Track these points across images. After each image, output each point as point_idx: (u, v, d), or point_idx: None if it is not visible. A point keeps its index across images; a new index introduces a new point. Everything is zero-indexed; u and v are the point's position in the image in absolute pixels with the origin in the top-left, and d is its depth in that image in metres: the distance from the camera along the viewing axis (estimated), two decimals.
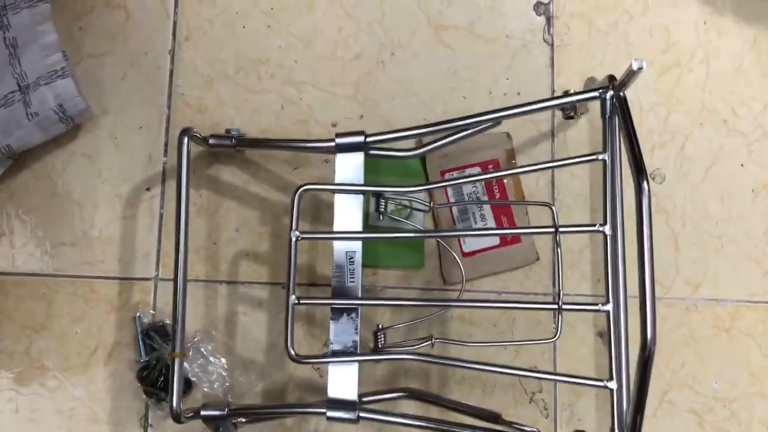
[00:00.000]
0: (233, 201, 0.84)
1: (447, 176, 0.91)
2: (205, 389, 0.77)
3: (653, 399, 0.90)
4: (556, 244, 0.70)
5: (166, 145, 0.84)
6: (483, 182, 0.91)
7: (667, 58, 0.95)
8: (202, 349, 0.76)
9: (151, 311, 0.80)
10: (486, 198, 0.91)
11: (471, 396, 0.85)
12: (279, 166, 0.85)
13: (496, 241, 0.91)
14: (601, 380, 0.68)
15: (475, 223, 0.90)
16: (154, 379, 0.75)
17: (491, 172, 0.89)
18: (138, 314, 0.79)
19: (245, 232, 0.84)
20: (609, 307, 0.69)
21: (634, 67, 0.67)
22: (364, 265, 0.76)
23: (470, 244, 0.90)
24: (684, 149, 0.99)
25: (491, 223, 0.91)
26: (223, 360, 0.78)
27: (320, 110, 0.88)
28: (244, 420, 0.78)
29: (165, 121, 0.84)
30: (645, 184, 0.64)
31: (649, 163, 0.71)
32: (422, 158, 0.89)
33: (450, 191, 0.91)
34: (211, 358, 0.76)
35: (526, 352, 0.88)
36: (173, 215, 0.73)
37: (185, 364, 0.76)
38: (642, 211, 0.63)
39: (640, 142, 0.68)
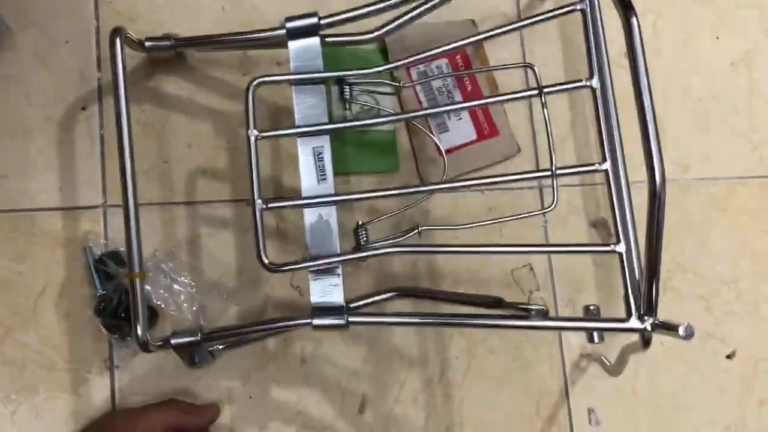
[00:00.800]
0: (181, 114, 0.79)
1: (413, 71, 0.85)
2: (172, 312, 0.72)
3: None
4: (543, 105, 0.64)
5: (98, 59, 0.79)
6: (453, 78, 0.85)
7: None
8: (164, 266, 0.69)
9: (103, 241, 0.73)
10: (458, 93, 0.85)
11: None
12: (227, 72, 0.81)
13: (473, 135, 0.86)
14: (608, 245, 0.63)
15: (449, 119, 0.85)
16: (113, 310, 0.69)
17: (459, 65, 0.83)
18: (89, 245, 0.71)
19: (198, 147, 0.79)
20: (607, 165, 0.64)
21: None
22: (334, 173, 0.69)
23: (446, 140, 0.86)
24: (656, 26, 0.95)
25: (466, 118, 0.87)
26: (189, 278, 0.71)
27: (267, 10, 0.84)
28: (221, 346, 0.70)
29: (94, 32, 0.79)
30: (634, 19, 0.59)
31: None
32: (384, 53, 0.84)
33: (419, 89, 0.85)
34: (175, 276, 0.69)
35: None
36: (115, 135, 0.65)
37: (147, 287, 0.69)
38: (634, 47, 0.58)
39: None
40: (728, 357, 0.94)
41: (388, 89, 0.79)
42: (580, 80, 0.72)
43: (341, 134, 0.86)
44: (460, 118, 0.91)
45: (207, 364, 0.78)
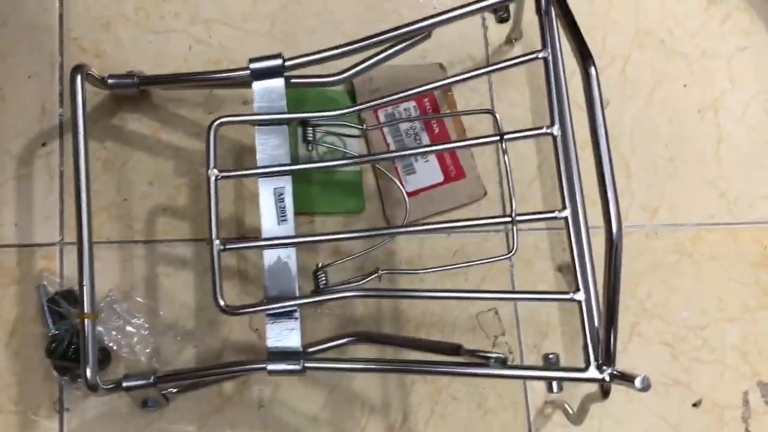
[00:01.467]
0: (143, 152, 0.79)
1: (381, 113, 0.85)
2: (125, 354, 0.69)
3: (622, 333, 0.89)
4: (503, 151, 0.65)
5: (61, 94, 0.79)
6: (421, 121, 0.85)
7: None
8: (117, 308, 0.68)
9: (58, 279, 0.72)
10: (426, 135, 0.86)
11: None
12: (192, 110, 0.80)
13: (440, 177, 0.86)
14: (567, 293, 0.62)
15: (416, 161, 0.85)
16: (64, 351, 0.67)
17: (427, 107, 0.85)
18: (43, 283, 0.70)
19: (160, 185, 0.78)
20: (567, 212, 0.64)
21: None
22: (297, 213, 0.70)
23: (412, 182, 0.85)
24: (625, 72, 0.97)
25: (433, 160, 0.86)
26: (143, 319, 0.69)
27: (233, 49, 0.84)
28: (174, 390, 0.68)
29: (58, 68, 0.78)
30: (592, 69, 0.60)
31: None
32: (352, 95, 0.83)
33: (387, 131, 0.85)
34: (129, 317, 0.67)
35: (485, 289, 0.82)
36: (74, 166, 0.65)
37: (99, 328, 0.68)
38: (592, 96, 0.59)
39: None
40: (694, 405, 0.93)
41: (353, 131, 0.79)
42: (541, 127, 0.72)
43: (306, 175, 0.86)
44: (427, 161, 0.91)
45: (161, 408, 0.76)
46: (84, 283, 0.68)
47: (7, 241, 0.78)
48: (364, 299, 0.84)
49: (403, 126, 0.91)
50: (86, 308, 0.68)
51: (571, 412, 0.79)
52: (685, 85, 1.03)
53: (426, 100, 0.93)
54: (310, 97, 0.86)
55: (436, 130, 0.93)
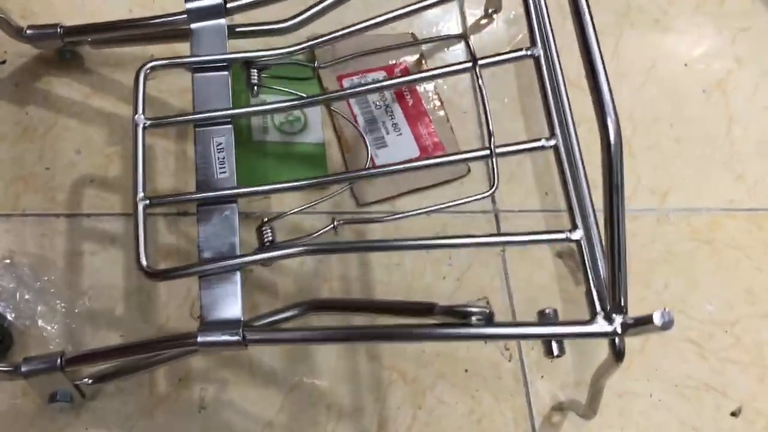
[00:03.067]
0: (72, 119, 0.69)
1: (345, 81, 0.75)
2: (33, 337, 0.55)
3: None
4: (477, 76, 0.54)
5: None
6: (392, 90, 0.75)
7: None
8: (27, 280, 0.56)
9: None
10: (397, 106, 0.76)
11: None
12: (128, 75, 0.71)
13: (416, 152, 0.76)
14: (562, 231, 0.50)
15: (387, 133, 0.75)
16: None
17: (399, 77, 0.73)
18: None
19: (88, 153, 0.68)
20: (555, 141, 0.53)
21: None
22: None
23: (384, 157, 0.74)
24: (618, 49, 0.88)
25: (407, 132, 0.77)
26: (62, 302, 0.57)
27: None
28: (90, 381, 0.55)
29: None
30: None
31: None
32: (313, 61, 0.73)
33: (353, 102, 0.75)
34: (40, 321, 0.55)
35: (472, 277, 0.76)
36: None
37: None
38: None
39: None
40: (733, 414, 0.78)
41: (305, 73, 0.68)
42: (521, 49, 0.61)
43: (262, 146, 0.75)
44: (401, 134, 0.80)
45: (74, 404, 0.61)
46: None
47: None
48: (322, 259, 0.70)
49: (372, 97, 0.81)
50: None
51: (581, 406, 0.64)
52: (686, 65, 0.94)
53: (398, 69, 0.83)
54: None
55: (410, 102, 0.82)
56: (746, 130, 0.91)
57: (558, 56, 0.62)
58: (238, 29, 0.69)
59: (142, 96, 0.63)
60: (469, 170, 0.81)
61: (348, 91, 0.65)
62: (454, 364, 0.72)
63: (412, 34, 0.85)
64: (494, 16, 0.88)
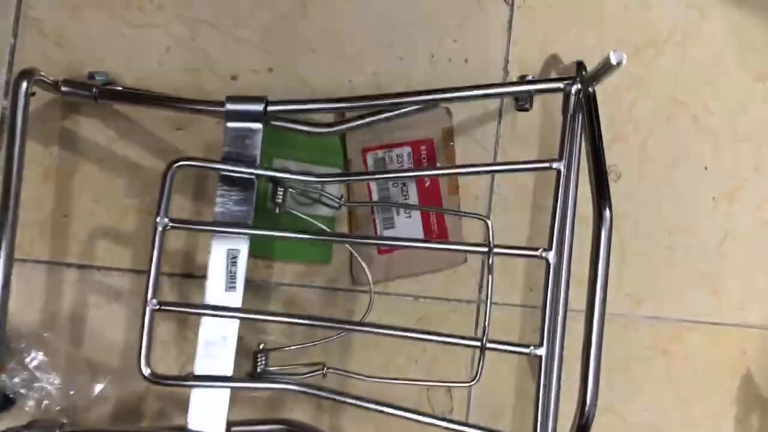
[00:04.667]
0: (94, 164, 0.70)
1: (370, 155, 0.76)
2: (27, 409, 0.61)
3: None
4: (488, 268, 0.56)
5: (7, 84, 0.65)
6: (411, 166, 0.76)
7: (642, 35, 0.81)
8: (27, 362, 0.59)
9: None
10: (414, 186, 0.77)
11: (368, 425, 0.73)
12: (158, 123, 0.71)
13: (420, 236, 0.76)
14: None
15: (398, 215, 0.75)
16: None
17: (423, 157, 0.75)
18: None
19: (107, 204, 0.69)
20: (542, 351, 0.56)
21: (613, 61, 0.52)
22: (255, 255, 0.61)
23: (390, 237, 0.75)
24: (646, 145, 0.86)
25: (416, 218, 0.78)
26: (55, 376, 0.63)
27: (218, 58, 0.72)
28: None
29: (8, 53, 0.65)
30: (607, 212, 0.50)
31: (606, 157, 0.57)
32: (342, 137, 0.73)
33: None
34: (38, 374, 0.60)
35: (439, 365, 0.81)
36: (3, 183, 0.56)
37: (3, 377, 0.59)
38: (599, 245, 0.50)
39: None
40: None
41: (330, 202, 0.69)
42: (537, 249, 0.63)
43: (271, 216, 0.77)
44: (410, 216, 0.82)
45: None
46: None
47: None
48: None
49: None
50: None
51: None
52: (705, 168, 0.93)
53: (423, 147, 0.83)
54: (293, 138, 0.75)
55: (427, 183, 0.83)
56: (737, 245, 0.93)
57: (570, 264, 0.64)
58: (274, 123, 0.68)
59: (167, 196, 0.64)
60: (465, 260, 0.84)
61: (367, 241, 0.68)
62: None
63: (447, 109, 0.83)
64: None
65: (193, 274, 0.75)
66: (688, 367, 0.92)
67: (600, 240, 0.56)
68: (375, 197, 0.81)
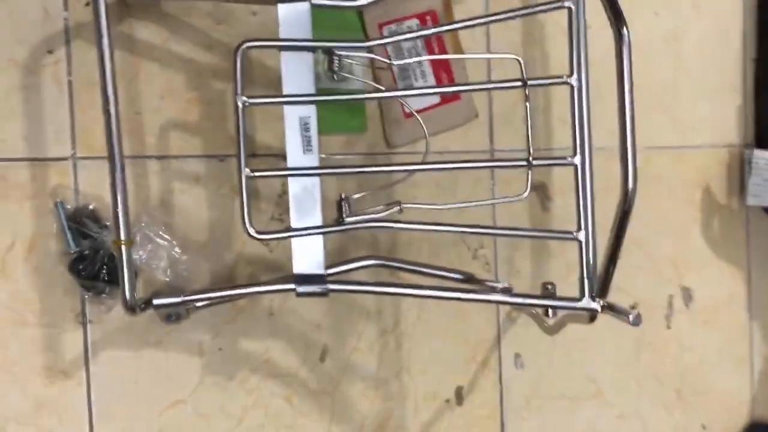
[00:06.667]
0: (154, 64, 0.76)
1: (385, 29, 0.85)
2: (157, 275, 0.69)
3: None
4: (526, 97, 0.67)
5: None
6: (422, 39, 0.86)
7: None
8: (150, 233, 0.67)
9: (73, 194, 0.70)
10: (425, 53, 0.86)
11: (419, 256, 0.85)
12: (201, 20, 0.77)
13: (437, 98, 0.88)
14: (570, 232, 0.69)
15: (416, 80, 0.87)
16: (96, 272, 0.66)
17: (428, 25, 0.83)
18: (59, 200, 0.69)
19: (171, 99, 0.77)
20: (577, 160, 0.68)
21: None
22: None
23: (410, 102, 0.86)
24: None
25: (431, 79, 0.89)
26: (175, 242, 0.70)
27: None
28: (199, 304, 0.71)
29: None
30: (625, 30, 0.62)
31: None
32: (359, 11, 0.81)
33: (388, 48, 0.85)
34: (161, 241, 0.68)
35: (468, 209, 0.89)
36: (86, 82, 0.65)
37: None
38: (623, 60, 0.62)
39: None
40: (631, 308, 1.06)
41: (379, 63, 0.78)
42: (561, 76, 0.75)
43: (323, 93, 0.85)
44: (426, 80, 0.92)
45: (181, 321, 0.79)
46: (118, 210, 0.67)
47: (18, 155, 0.74)
48: None
49: (405, 45, 0.91)
50: (122, 235, 0.68)
51: (547, 324, 0.89)
52: (656, 14, 1.07)
53: (428, 17, 0.92)
54: (319, 17, 0.83)
55: (436, 49, 0.93)
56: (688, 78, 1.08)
57: (588, 87, 0.76)
58: (316, 2, 0.76)
59: (241, 76, 0.71)
60: (477, 115, 0.95)
61: (410, 93, 0.76)
62: None
63: None
64: None
65: (256, 153, 0.83)
66: (661, 187, 1.07)
67: (623, 55, 0.68)
68: (395, 70, 0.90)
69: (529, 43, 0.98)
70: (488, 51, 0.96)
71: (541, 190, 1.00)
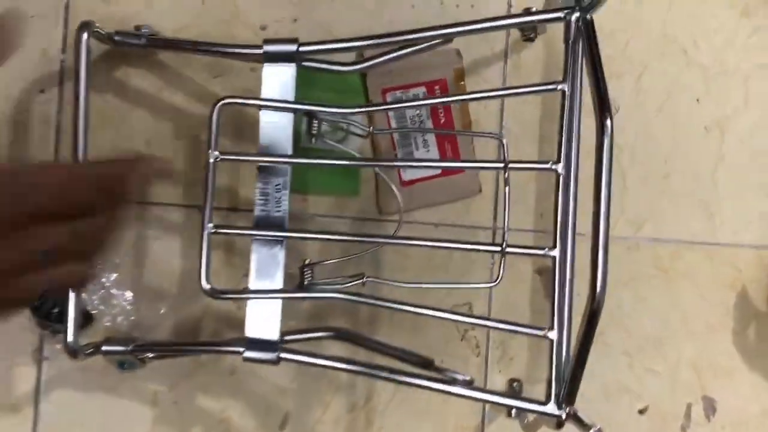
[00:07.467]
0: (144, 110, 0.76)
1: (389, 95, 0.82)
2: (107, 324, 0.68)
3: None
4: (504, 181, 0.63)
5: (64, 39, 0.73)
6: (427, 109, 0.83)
7: None
8: (104, 280, 0.67)
9: None
10: (430, 122, 0.85)
11: (401, 334, 0.84)
12: (198, 72, 0.76)
13: (438, 169, 0.83)
14: (542, 328, 0.63)
15: (417, 149, 0.84)
16: (47, 312, 0.66)
17: (437, 95, 0.81)
18: None
19: (157, 146, 0.76)
20: (556, 252, 0.64)
21: None
22: (292, 191, 0.67)
23: (410, 172, 0.85)
24: (641, 80, 0.93)
25: (434, 150, 0.85)
26: (128, 293, 0.70)
27: (248, 10, 0.78)
28: (151, 355, 0.69)
29: (63, 10, 0.73)
30: (608, 122, 0.58)
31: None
32: (362, 74, 0.80)
33: (391, 114, 0.82)
34: (114, 290, 0.67)
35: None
36: (72, 123, 0.62)
37: (84, 296, 0.67)
38: (602, 153, 0.58)
39: None
40: (640, 412, 0.97)
41: (358, 131, 0.77)
42: (547, 162, 0.70)
43: (307, 151, 0.84)
44: (428, 150, 0.89)
45: (135, 369, 0.78)
46: None
47: None
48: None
49: (409, 113, 0.88)
50: None
51: (528, 420, 0.82)
52: (697, 100, 1.00)
53: (437, 86, 0.90)
54: (321, 75, 0.82)
55: (442, 120, 0.90)
56: (729, 171, 1.00)
57: (577, 175, 0.71)
58: (305, 64, 0.75)
59: (215, 131, 0.71)
60: (480, 190, 0.91)
61: (392, 163, 0.74)
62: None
63: (457, 50, 0.90)
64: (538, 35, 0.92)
65: (237, 208, 0.82)
66: (688, 285, 0.99)
67: (603, 147, 0.63)
68: (396, 137, 0.88)
69: (547, 117, 0.94)
70: (500, 125, 0.92)
71: (545, 275, 0.94)
